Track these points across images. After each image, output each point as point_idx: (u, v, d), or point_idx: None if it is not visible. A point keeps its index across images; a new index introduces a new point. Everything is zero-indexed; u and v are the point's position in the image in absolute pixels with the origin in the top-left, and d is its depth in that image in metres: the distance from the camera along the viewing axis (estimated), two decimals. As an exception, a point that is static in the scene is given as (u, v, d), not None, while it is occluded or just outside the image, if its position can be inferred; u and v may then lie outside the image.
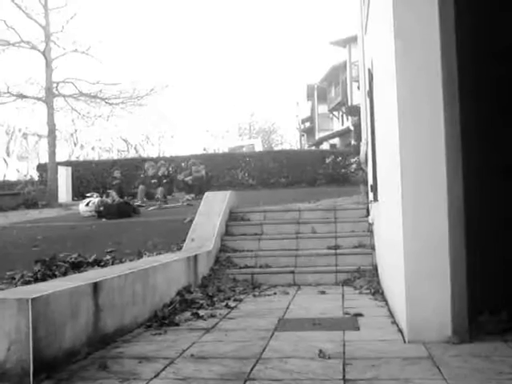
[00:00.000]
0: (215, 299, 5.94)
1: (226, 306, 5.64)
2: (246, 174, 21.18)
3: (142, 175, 17.25)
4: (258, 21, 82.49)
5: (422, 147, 3.87)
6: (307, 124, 56.41)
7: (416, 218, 3.86)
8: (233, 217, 9.01)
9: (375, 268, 7.06)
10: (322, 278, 7.10)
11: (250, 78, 75.66)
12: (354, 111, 12.18)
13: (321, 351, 3.62)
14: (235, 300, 6.00)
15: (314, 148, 41.60)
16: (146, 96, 25.40)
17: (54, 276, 6.15)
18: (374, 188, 6.77)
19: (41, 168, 24.04)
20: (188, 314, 5.17)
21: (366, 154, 8.15)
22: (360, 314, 4.93)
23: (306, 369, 3.29)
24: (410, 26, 3.92)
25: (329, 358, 3.51)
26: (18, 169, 43.11)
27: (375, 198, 6.78)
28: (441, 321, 3.79)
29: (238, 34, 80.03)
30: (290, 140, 61.96)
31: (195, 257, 6.71)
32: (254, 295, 6.35)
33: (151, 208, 13.44)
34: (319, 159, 21.08)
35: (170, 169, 17.25)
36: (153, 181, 15.46)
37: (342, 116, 41.40)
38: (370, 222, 8.03)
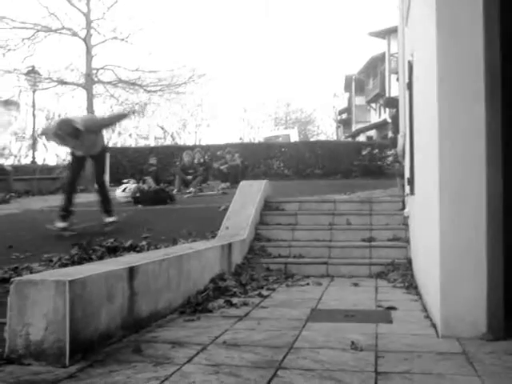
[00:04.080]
0: (248, 288, 5.96)
1: (259, 294, 5.66)
2: (282, 164, 21.15)
3: (177, 163, 17.36)
4: (298, 11, 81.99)
5: (461, 141, 3.82)
6: (344, 115, 56.11)
7: (453, 212, 3.82)
8: (268, 206, 9.02)
9: (409, 261, 7.01)
10: (356, 269, 7.08)
11: (288, 69, 75.42)
12: (392, 103, 12.07)
13: (353, 343, 3.61)
14: (268, 289, 6.02)
15: (350, 139, 41.38)
16: (183, 84, 25.54)
17: (90, 259, 6.24)
18: (411, 181, 6.71)
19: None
20: (221, 302, 5.21)
21: (404, 147, 8.07)
22: (393, 308, 4.90)
23: (337, 360, 3.29)
24: (453, 18, 3.86)
25: (361, 350, 3.50)
26: (57, 153, 43.77)
27: (412, 192, 6.72)
28: (475, 317, 3.75)
29: (277, 24, 79.71)
30: (326, 131, 61.74)
31: (229, 245, 6.74)
32: (287, 285, 6.36)
33: (187, 196, 13.52)
34: (355, 151, 20.96)
35: (206, 157, 17.34)
36: (189, 171, 15.54)
37: (380, 108, 41.06)
38: (406, 215, 7.96)
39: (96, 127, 8.38)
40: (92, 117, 9.63)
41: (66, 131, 7.86)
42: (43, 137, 9.23)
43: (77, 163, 8.65)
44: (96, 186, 8.87)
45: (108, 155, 21.18)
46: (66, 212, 8.42)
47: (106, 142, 9.29)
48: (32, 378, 2.95)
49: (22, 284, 3.30)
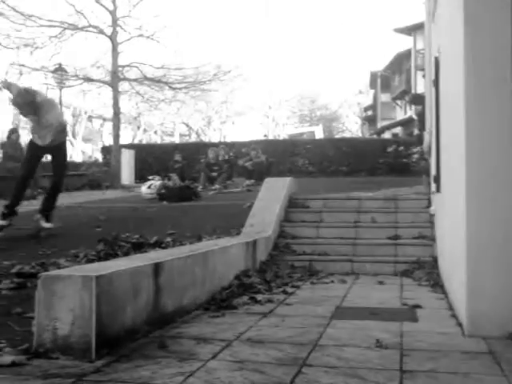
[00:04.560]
0: (273, 284, 5.97)
1: (284, 291, 5.66)
2: (307, 162, 21.12)
3: (202, 160, 17.42)
4: (321, 7, 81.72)
5: (488, 138, 3.78)
6: (369, 112, 55.83)
7: (480, 210, 3.78)
8: (292, 203, 9.02)
9: (435, 260, 6.95)
10: (381, 267, 7.04)
11: (313, 65, 75.16)
12: (418, 100, 11.97)
13: (378, 341, 3.60)
14: (292, 286, 6.02)
15: (375, 137, 41.16)
16: (208, 81, 25.60)
17: (116, 255, 6.27)
18: (437, 179, 6.66)
19: (105, 150, 24.64)
20: (245, 298, 5.22)
21: (430, 144, 8.01)
22: (418, 306, 4.87)
23: (362, 358, 3.28)
24: (480, 13, 3.82)
25: (386, 348, 3.49)
26: (84, 150, 44.21)
27: (438, 189, 6.66)
28: (503, 316, 3.71)
29: (300, 21, 79.52)
30: (351, 128, 61.47)
31: (254, 242, 6.75)
32: (312, 282, 6.35)
33: (211, 192, 13.57)
34: (380, 148, 20.86)
35: (231, 154, 17.38)
36: (214, 168, 15.60)
37: (405, 105, 40.75)
38: (432, 213, 7.90)
39: (49, 113, 7.65)
40: (55, 105, 8.45)
41: (25, 99, 7.49)
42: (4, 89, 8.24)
43: (32, 155, 7.88)
44: (50, 183, 8.09)
45: (133, 152, 21.41)
46: (10, 210, 7.72)
47: (66, 141, 8.35)
48: (59, 372, 2.99)
49: (49, 279, 3.34)
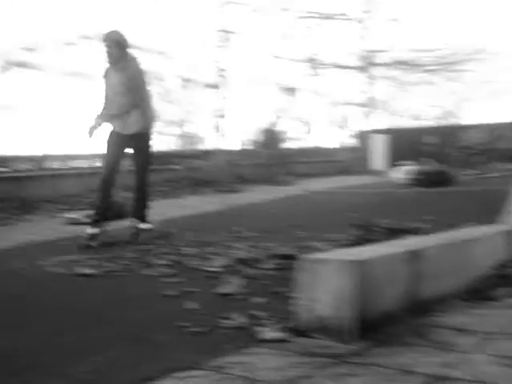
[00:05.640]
0: (537, 277, 5.55)
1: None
2: None
3: (457, 143, 16.79)
4: None
5: None
6: None
7: None
8: None
9: None
10: None
11: None
12: None
13: None
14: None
15: None
16: (463, 61, 24.57)
17: (370, 241, 6.32)
18: None
19: (357, 136, 24.91)
20: (504, 291, 4.92)
21: None
22: None
23: None
24: None
25: None
26: (336, 136, 45.11)
27: None
28: None
29: None
30: None
31: (515, 231, 6.33)
32: None
33: (468, 177, 13.05)
34: None
35: (490, 136, 16.51)
36: (471, 151, 14.97)
37: None
38: None
39: (141, 93, 6.82)
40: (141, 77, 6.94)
41: (119, 37, 6.59)
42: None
43: (114, 147, 6.86)
44: (135, 180, 7.04)
45: (385, 137, 21.29)
46: (99, 215, 6.78)
47: (152, 129, 7.18)
48: (318, 351, 3.11)
49: (309, 262, 3.50)
